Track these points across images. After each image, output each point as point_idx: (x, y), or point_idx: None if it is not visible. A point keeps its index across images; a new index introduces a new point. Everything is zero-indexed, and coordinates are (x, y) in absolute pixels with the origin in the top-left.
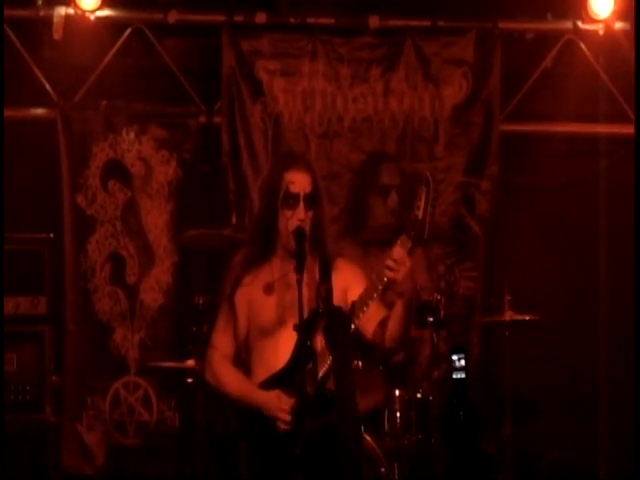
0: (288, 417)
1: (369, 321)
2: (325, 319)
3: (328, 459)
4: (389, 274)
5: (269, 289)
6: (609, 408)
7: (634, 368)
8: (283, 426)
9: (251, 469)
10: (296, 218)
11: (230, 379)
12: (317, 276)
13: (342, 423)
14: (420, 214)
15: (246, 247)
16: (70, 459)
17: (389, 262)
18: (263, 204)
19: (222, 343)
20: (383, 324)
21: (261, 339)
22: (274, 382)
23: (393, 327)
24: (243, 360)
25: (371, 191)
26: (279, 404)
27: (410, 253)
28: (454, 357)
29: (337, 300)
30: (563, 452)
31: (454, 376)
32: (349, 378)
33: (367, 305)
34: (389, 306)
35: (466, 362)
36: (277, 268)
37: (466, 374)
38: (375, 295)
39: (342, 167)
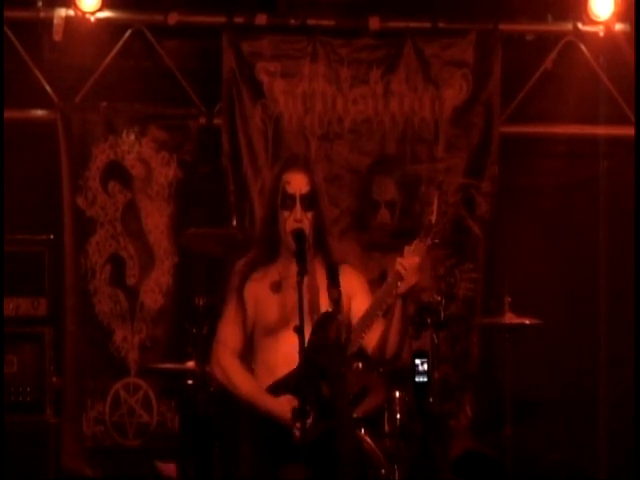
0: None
1: (371, 336)
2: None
3: (331, 463)
4: (400, 281)
5: (276, 287)
6: (609, 409)
7: (634, 369)
8: (298, 433)
9: (256, 471)
10: (293, 219)
11: (241, 381)
12: (322, 279)
13: (340, 431)
14: (434, 218)
15: (252, 250)
16: (70, 460)
17: (401, 269)
18: (265, 206)
19: (230, 336)
20: (383, 335)
21: (264, 338)
22: (281, 387)
23: (393, 334)
24: (246, 357)
25: (365, 203)
26: (289, 409)
27: (422, 257)
28: (417, 361)
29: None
30: (563, 453)
31: (416, 379)
32: (344, 387)
33: (372, 321)
34: (385, 314)
35: (429, 366)
36: (283, 269)
37: (428, 378)
38: (385, 304)
39: (342, 168)
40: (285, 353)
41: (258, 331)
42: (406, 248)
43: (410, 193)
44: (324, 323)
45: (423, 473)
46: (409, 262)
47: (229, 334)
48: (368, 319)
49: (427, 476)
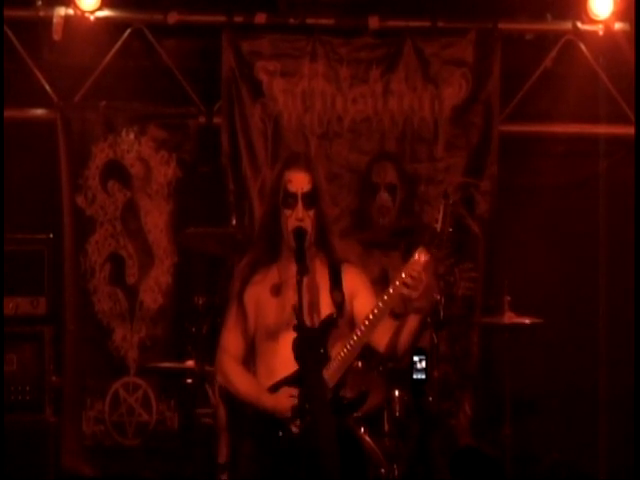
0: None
1: (382, 336)
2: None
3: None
4: (405, 291)
5: (276, 290)
6: (609, 408)
7: (634, 368)
8: (295, 429)
9: (255, 469)
10: (294, 217)
11: (240, 382)
12: (324, 279)
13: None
14: (439, 227)
15: (252, 248)
16: (70, 459)
17: (406, 278)
18: (266, 205)
19: (231, 343)
20: (394, 335)
21: (266, 341)
22: (281, 387)
23: (405, 340)
24: (249, 362)
25: (364, 190)
26: (289, 404)
27: (426, 266)
28: (415, 358)
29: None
30: (563, 452)
31: (414, 376)
32: (323, 398)
33: (379, 322)
34: (398, 316)
35: (427, 364)
36: (284, 269)
37: (426, 375)
38: (388, 312)
39: (342, 168)
40: (285, 355)
41: (259, 334)
42: (410, 259)
43: (410, 192)
44: (326, 327)
45: (420, 472)
46: (415, 270)
47: (231, 341)
48: (372, 325)
49: (424, 475)
